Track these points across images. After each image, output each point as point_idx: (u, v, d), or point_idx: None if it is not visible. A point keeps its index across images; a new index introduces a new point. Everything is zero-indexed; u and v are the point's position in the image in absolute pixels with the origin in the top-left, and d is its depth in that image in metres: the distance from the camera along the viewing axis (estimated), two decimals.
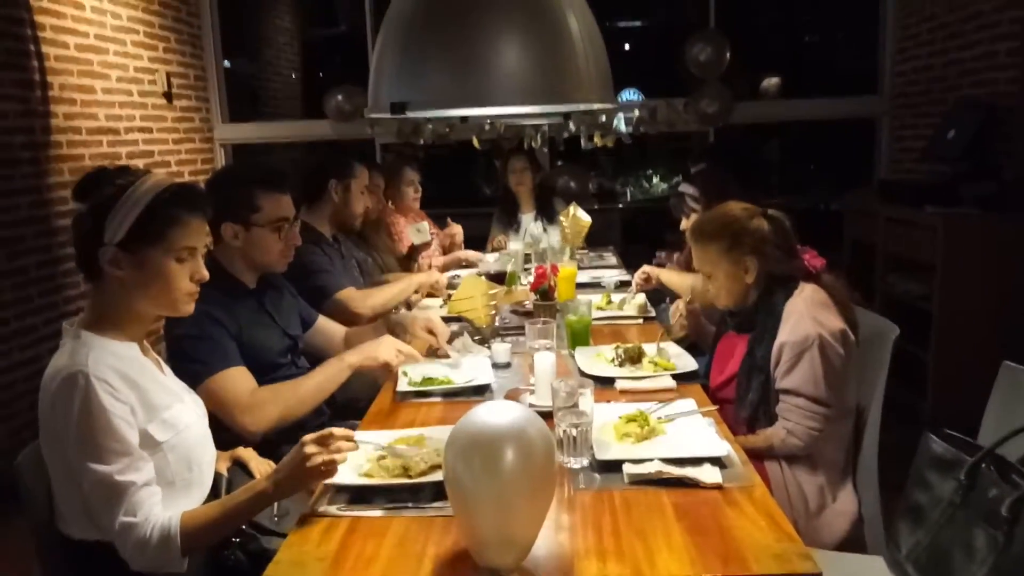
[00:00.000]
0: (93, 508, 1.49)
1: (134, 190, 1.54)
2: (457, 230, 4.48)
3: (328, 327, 2.57)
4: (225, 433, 1.92)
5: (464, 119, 2.84)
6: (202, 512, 1.56)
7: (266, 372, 2.15)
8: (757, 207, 2.20)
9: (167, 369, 1.74)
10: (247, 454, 1.90)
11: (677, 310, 2.52)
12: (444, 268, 4.07)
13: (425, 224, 4.18)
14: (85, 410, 1.44)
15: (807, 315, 2.01)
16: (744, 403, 2.10)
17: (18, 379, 3.60)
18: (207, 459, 1.71)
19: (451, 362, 2.36)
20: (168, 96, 4.97)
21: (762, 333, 2.09)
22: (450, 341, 2.51)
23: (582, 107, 1.95)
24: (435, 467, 1.63)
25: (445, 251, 4.39)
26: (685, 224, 3.23)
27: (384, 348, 2.15)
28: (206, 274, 1.66)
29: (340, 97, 5.33)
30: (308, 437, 1.54)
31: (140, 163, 4.40)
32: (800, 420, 1.99)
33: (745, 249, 2.12)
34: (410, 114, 1.76)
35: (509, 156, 4.81)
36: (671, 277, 3.16)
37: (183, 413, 1.65)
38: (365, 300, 2.94)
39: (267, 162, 6.22)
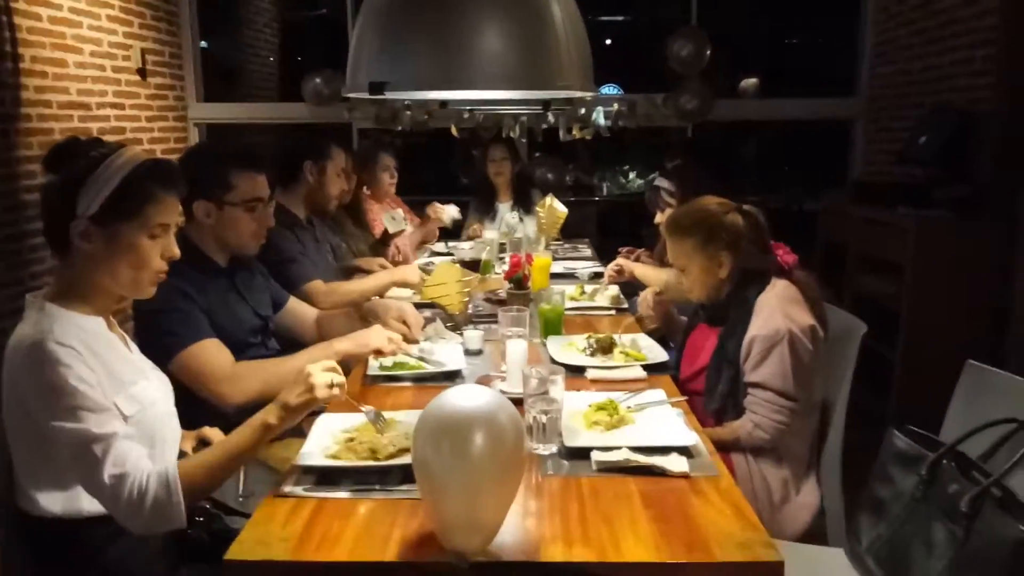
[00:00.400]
0: (78, 471, 1.44)
1: (109, 163, 1.51)
2: (443, 214, 4.33)
3: (299, 309, 2.55)
4: (195, 410, 1.89)
5: (443, 105, 2.83)
6: (199, 457, 1.54)
7: (236, 351, 2.12)
8: (732, 202, 2.21)
9: (133, 346, 1.71)
10: (213, 434, 1.87)
11: (645, 300, 2.54)
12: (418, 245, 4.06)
13: (400, 212, 4.15)
14: (53, 374, 1.41)
15: (778, 310, 2.03)
16: (713, 395, 2.11)
17: None
18: (171, 437, 1.69)
19: (422, 348, 2.35)
20: (142, 72, 4.90)
21: (733, 326, 2.10)
22: (423, 327, 2.50)
23: (562, 94, 1.95)
24: (403, 450, 1.62)
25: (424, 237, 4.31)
26: (660, 218, 3.25)
27: (376, 335, 2.12)
28: (177, 252, 1.63)
29: (318, 80, 5.28)
30: (312, 366, 1.56)
31: (112, 139, 4.32)
32: (767, 414, 2.01)
33: (720, 244, 2.13)
34: (388, 95, 1.75)
35: (489, 145, 4.80)
36: (645, 271, 3.17)
37: (148, 390, 1.63)
38: (330, 297, 2.91)
39: (246, 142, 6.14)
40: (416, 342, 2.34)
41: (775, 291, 2.09)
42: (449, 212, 4.24)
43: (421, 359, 2.26)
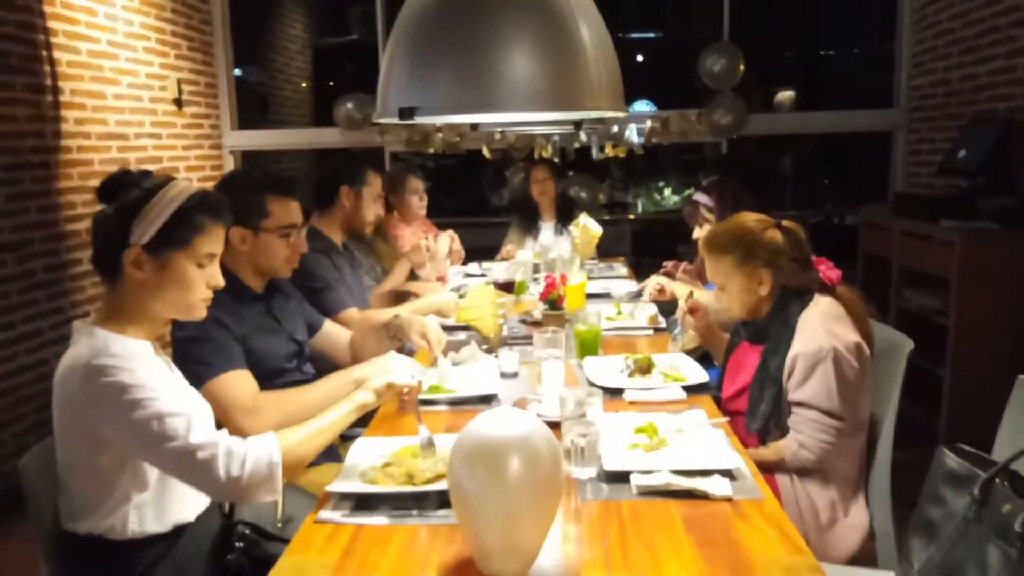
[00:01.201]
0: (163, 453, 1.47)
1: (163, 195, 1.57)
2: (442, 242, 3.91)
3: (334, 332, 2.55)
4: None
5: (474, 127, 2.83)
6: (294, 429, 1.64)
7: (272, 377, 2.13)
8: (771, 218, 2.18)
9: (176, 371, 1.74)
10: None
11: (681, 311, 2.50)
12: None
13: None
14: (114, 378, 1.45)
15: (821, 327, 1.98)
16: (756, 415, 2.06)
17: (23, 383, 3.60)
18: None
19: (449, 369, 2.33)
20: (178, 102, 4.99)
21: (776, 344, 2.06)
22: (457, 349, 2.49)
23: (593, 115, 1.93)
24: (440, 476, 1.60)
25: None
26: (698, 234, 3.21)
27: (394, 363, 2.11)
28: (222, 281, 1.68)
29: (350, 105, 5.34)
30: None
31: (149, 168, 4.40)
32: (812, 433, 1.96)
33: (759, 261, 2.10)
34: (418, 120, 1.75)
35: (531, 167, 4.81)
36: (685, 290, 3.12)
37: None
38: (364, 325, 2.90)
39: (277, 168, 6.22)
40: (435, 360, 2.32)
41: (818, 308, 2.05)
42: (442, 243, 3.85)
43: (436, 387, 2.25)
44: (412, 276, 3.78)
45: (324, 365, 2.44)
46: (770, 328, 2.10)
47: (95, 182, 1.62)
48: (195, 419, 1.48)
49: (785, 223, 2.16)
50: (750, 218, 2.18)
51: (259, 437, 1.53)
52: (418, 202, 4.23)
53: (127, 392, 1.45)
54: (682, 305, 2.51)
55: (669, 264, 3.57)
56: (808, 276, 2.11)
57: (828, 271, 2.12)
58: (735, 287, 2.14)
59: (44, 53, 3.78)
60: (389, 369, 2.07)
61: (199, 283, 1.62)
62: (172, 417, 1.46)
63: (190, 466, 1.46)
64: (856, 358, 1.96)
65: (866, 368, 1.99)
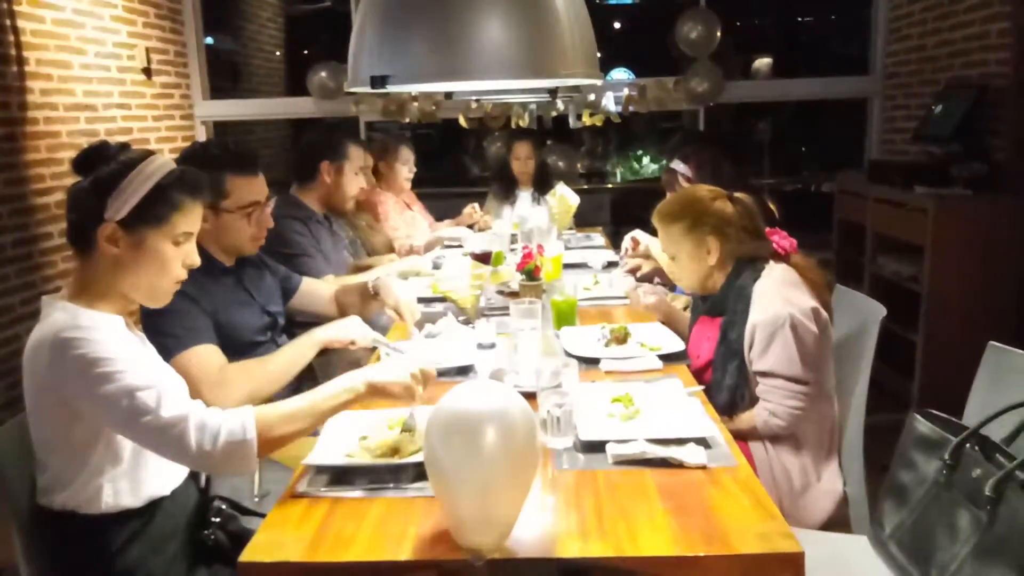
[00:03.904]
0: (136, 427, 1.44)
1: (140, 170, 1.54)
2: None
3: (315, 288, 2.54)
4: None
5: (449, 96, 2.79)
6: (276, 406, 1.56)
7: (244, 350, 2.11)
8: (723, 190, 2.21)
9: (149, 346, 1.72)
10: None
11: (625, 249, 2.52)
12: (427, 248, 4.01)
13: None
14: (83, 351, 1.43)
15: (777, 295, 2.00)
16: (721, 388, 2.08)
17: None
18: None
19: (421, 343, 2.32)
20: (147, 72, 4.89)
21: (733, 316, 2.08)
22: (434, 321, 2.49)
23: (568, 82, 1.91)
24: (416, 448, 1.61)
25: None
26: None
27: (354, 326, 2.12)
28: (198, 260, 1.66)
29: (324, 74, 5.25)
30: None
31: (119, 139, 4.32)
32: (780, 400, 1.98)
33: (706, 228, 2.13)
34: (391, 88, 1.72)
35: (514, 142, 4.77)
36: (658, 247, 3.15)
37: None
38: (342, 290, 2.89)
39: (238, 142, 6.10)
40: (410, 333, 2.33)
41: (772, 276, 2.07)
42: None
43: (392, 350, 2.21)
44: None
45: (312, 324, 2.43)
46: (726, 300, 2.12)
47: (64, 154, 1.59)
48: (165, 392, 1.46)
49: (737, 195, 2.18)
50: (701, 188, 2.24)
51: (236, 411, 1.50)
52: (407, 173, 4.20)
53: (96, 365, 1.43)
54: (625, 244, 2.52)
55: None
56: (760, 246, 2.14)
57: (782, 240, 2.15)
58: (684, 255, 2.17)
59: (7, 22, 3.68)
60: (350, 329, 2.08)
61: (174, 262, 1.60)
62: (142, 391, 1.43)
63: (162, 440, 1.45)
64: (814, 323, 1.97)
65: (826, 332, 2.02)
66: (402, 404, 1.70)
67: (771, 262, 2.12)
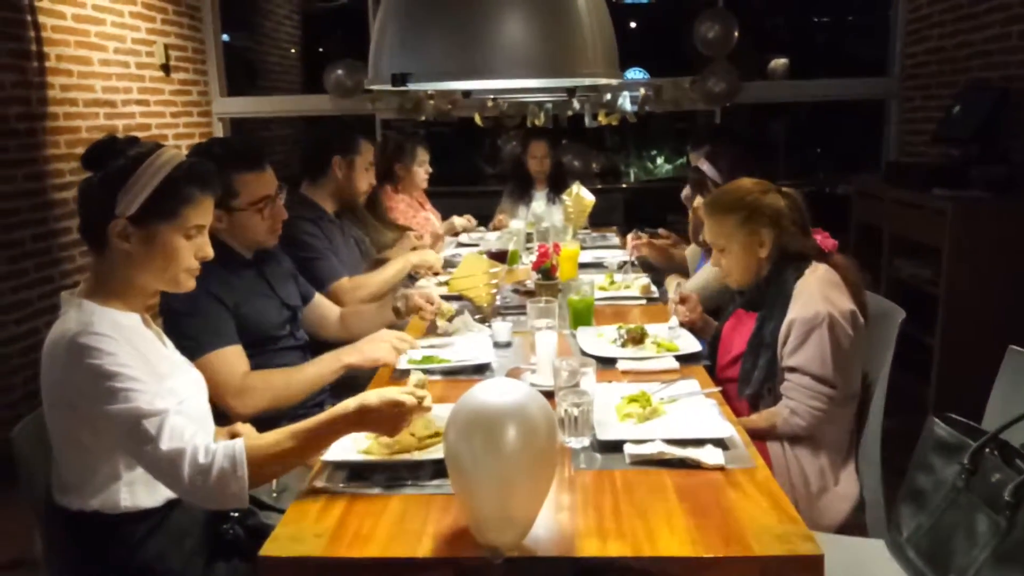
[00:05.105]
0: (135, 451, 1.44)
1: (149, 164, 1.52)
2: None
3: (323, 306, 2.54)
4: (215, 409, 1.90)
5: (467, 94, 2.79)
6: (268, 438, 1.51)
7: (265, 344, 2.13)
8: (771, 184, 2.19)
9: (168, 342, 1.72)
10: (246, 429, 1.87)
11: (672, 302, 2.49)
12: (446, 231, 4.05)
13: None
14: (97, 361, 1.42)
15: (818, 294, 1.99)
16: (749, 380, 2.08)
17: (13, 353, 3.58)
18: (205, 433, 1.69)
19: (446, 340, 2.34)
20: (166, 68, 4.92)
21: (771, 310, 2.07)
22: (450, 319, 2.49)
23: (587, 81, 1.91)
24: (437, 433, 1.61)
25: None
26: (700, 203, 3.19)
27: (383, 350, 2.13)
28: (211, 252, 1.64)
29: (340, 72, 5.26)
30: (399, 392, 1.54)
31: (138, 136, 4.35)
32: (804, 400, 1.97)
33: (762, 221, 2.11)
34: (411, 86, 1.72)
35: (530, 142, 4.77)
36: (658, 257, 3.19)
37: (186, 384, 1.65)
38: (356, 292, 2.91)
39: (244, 138, 6.11)
40: (442, 330, 2.36)
41: (816, 275, 2.06)
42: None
43: (430, 357, 2.24)
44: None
45: (309, 339, 2.47)
46: (766, 295, 2.11)
47: (82, 150, 1.57)
48: (167, 422, 1.42)
49: (785, 189, 2.17)
50: (750, 181, 2.21)
51: (230, 447, 1.44)
52: (423, 175, 4.20)
53: (108, 379, 1.42)
54: (672, 296, 2.51)
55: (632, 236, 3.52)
56: (807, 242, 2.13)
57: (824, 240, 2.14)
58: (736, 247, 2.15)
59: (28, 18, 3.71)
60: (377, 353, 2.09)
61: (187, 255, 1.59)
62: (147, 419, 1.41)
63: (157, 469, 1.44)
64: (851, 326, 1.97)
65: (860, 337, 2.01)
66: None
67: (814, 261, 2.11)
